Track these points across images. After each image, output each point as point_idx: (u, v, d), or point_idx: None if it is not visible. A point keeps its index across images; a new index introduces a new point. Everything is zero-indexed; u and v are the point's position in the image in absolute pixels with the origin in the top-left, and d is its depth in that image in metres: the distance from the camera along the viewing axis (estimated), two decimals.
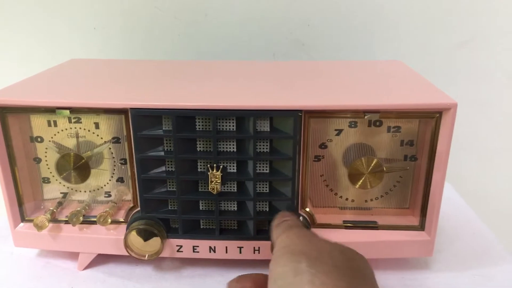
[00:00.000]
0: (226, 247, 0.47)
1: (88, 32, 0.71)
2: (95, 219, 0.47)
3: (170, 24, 0.71)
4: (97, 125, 0.46)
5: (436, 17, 0.70)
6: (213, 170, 0.44)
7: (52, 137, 0.47)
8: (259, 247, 0.47)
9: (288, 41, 0.71)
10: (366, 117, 0.43)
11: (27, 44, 0.72)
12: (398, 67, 0.57)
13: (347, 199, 0.48)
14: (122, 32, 0.71)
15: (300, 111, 0.42)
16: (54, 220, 0.48)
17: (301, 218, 0.46)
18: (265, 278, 0.40)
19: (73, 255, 0.50)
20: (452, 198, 0.65)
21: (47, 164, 0.48)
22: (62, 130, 0.46)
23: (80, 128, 0.46)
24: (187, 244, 0.47)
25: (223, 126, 0.44)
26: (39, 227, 0.46)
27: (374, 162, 0.45)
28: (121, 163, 0.47)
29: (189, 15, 0.70)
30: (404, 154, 0.46)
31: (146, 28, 0.71)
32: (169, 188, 0.46)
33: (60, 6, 0.70)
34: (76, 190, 0.49)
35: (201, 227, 0.48)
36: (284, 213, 0.43)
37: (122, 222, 0.48)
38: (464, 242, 0.55)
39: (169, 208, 0.47)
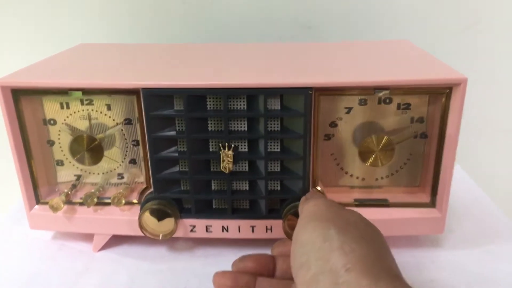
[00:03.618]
0: (239, 227, 0.47)
1: (94, 17, 0.71)
2: (109, 201, 0.48)
3: (177, 8, 0.71)
4: (109, 107, 0.46)
5: None
6: (225, 149, 0.44)
7: (65, 120, 0.47)
8: (271, 226, 0.47)
9: (294, 24, 0.71)
10: (376, 93, 0.44)
11: (34, 31, 0.72)
12: (407, 46, 0.57)
13: (357, 177, 0.49)
14: (128, 17, 0.71)
15: (311, 88, 0.42)
16: (68, 202, 0.48)
17: None
18: (266, 258, 0.41)
19: (88, 238, 0.51)
20: (461, 178, 0.65)
21: (60, 147, 0.48)
22: (74, 112, 0.47)
23: (92, 110, 0.47)
24: (200, 224, 0.47)
25: (234, 105, 0.44)
26: (55, 209, 0.47)
27: (384, 140, 0.45)
28: (133, 145, 0.48)
29: (196, 0, 0.70)
30: (414, 131, 0.46)
31: (152, 13, 0.71)
32: (181, 168, 0.46)
33: None
34: (89, 173, 0.50)
35: (214, 207, 0.48)
36: (316, 190, 0.44)
37: (135, 203, 0.49)
38: (474, 221, 0.55)
39: (182, 189, 0.47)
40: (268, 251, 0.44)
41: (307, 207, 0.35)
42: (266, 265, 0.41)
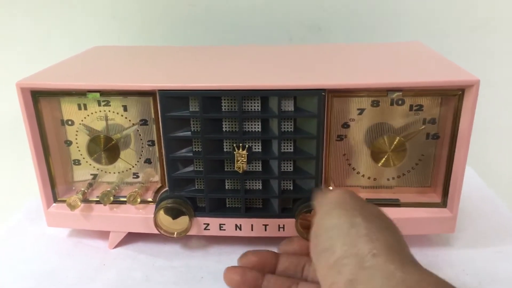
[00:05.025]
0: (252, 225, 0.48)
1: (107, 21, 0.73)
2: (124, 199, 0.49)
3: (187, 11, 0.72)
4: (125, 108, 0.47)
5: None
6: (239, 150, 0.45)
7: (82, 120, 0.48)
8: (283, 225, 0.48)
9: (304, 26, 0.72)
10: (389, 95, 0.44)
11: (47, 34, 0.74)
12: (418, 47, 0.57)
13: (369, 177, 0.49)
14: (140, 20, 0.72)
15: (324, 90, 0.43)
16: (85, 200, 0.50)
17: None
18: (269, 254, 0.42)
19: (103, 235, 0.52)
20: (472, 179, 0.65)
21: (77, 147, 0.50)
22: (92, 113, 0.48)
23: (109, 111, 0.47)
24: (213, 222, 0.48)
25: (248, 106, 0.45)
26: (72, 206, 0.48)
27: (396, 140, 0.46)
28: (149, 145, 0.49)
29: (205, 2, 0.71)
30: (426, 132, 0.47)
31: (163, 16, 0.72)
32: (196, 168, 0.47)
33: None
34: (105, 172, 0.51)
35: (227, 205, 0.49)
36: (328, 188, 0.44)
37: (150, 202, 0.50)
38: (485, 221, 0.55)
39: (196, 188, 0.48)
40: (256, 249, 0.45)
41: (331, 196, 0.35)
42: (268, 260, 0.42)
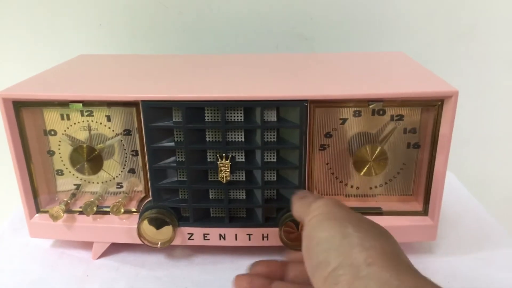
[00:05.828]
0: (236, 235, 0.48)
1: (93, 28, 0.72)
2: (108, 209, 0.49)
3: (174, 19, 0.72)
4: (108, 118, 0.47)
5: (436, 8, 0.71)
6: (222, 160, 0.45)
7: (65, 130, 0.48)
8: (267, 234, 0.48)
9: (291, 35, 0.73)
10: (370, 106, 0.45)
11: (33, 42, 0.73)
12: (400, 58, 0.58)
13: (352, 186, 0.50)
14: (127, 28, 0.72)
15: (306, 101, 0.43)
16: (68, 210, 0.49)
17: None
18: (277, 263, 0.41)
19: (87, 245, 0.52)
20: (454, 186, 0.66)
21: (60, 157, 0.49)
22: (74, 124, 0.48)
23: (92, 121, 0.47)
24: (198, 232, 0.48)
25: (231, 117, 0.45)
26: (55, 218, 0.47)
27: (378, 150, 0.47)
28: (132, 155, 0.49)
29: (193, 10, 0.71)
30: (407, 141, 0.47)
31: (151, 23, 0.72)
32: (180, 178, 0.47)
33: (65, 3, 0.71)
34: (88, 182, 0.51)
35: (211, 215, 0.49)
36: (304, 191, 0.44)
37: (134, 212, 0.49)
38: (466, 228, 0.56)
39: (180, 198, 0.48)
40: (265, 258, 0.45)
41: (317, 207, 0.35)
42: (277, 269, 0.41)
